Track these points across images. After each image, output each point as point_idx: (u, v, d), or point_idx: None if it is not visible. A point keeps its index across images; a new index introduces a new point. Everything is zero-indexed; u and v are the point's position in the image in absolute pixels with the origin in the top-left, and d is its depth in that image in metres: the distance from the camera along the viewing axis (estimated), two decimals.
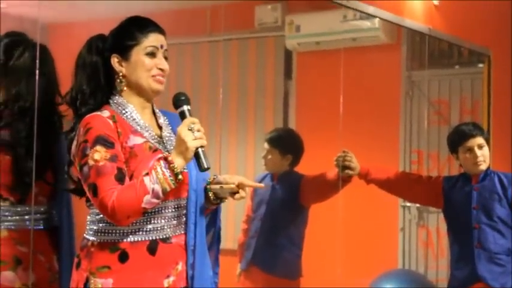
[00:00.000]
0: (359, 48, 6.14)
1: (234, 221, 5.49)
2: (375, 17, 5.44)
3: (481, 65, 5.92)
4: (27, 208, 3.21)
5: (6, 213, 3.17)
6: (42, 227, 3.25)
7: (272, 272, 4.69)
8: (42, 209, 3.26)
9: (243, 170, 6.41)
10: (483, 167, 4.17)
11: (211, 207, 2.70)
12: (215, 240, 2.78)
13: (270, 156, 4.84)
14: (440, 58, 6.18)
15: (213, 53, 6.43)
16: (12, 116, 3.17)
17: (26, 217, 3.20)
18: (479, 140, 4.16)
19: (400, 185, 4.38)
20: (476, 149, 4.16)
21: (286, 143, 4.92)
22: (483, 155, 4.15)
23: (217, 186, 2.60)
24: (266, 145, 4.89)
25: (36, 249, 3.22)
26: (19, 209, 3.18)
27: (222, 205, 2.73)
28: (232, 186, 2.58)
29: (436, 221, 5.77)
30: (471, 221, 4.13)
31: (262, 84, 6.58)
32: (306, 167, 6.37)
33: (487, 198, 4.12)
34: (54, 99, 3.27)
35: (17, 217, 3.18)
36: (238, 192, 2.58)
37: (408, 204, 6.00)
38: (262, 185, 2.72)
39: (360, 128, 6.14)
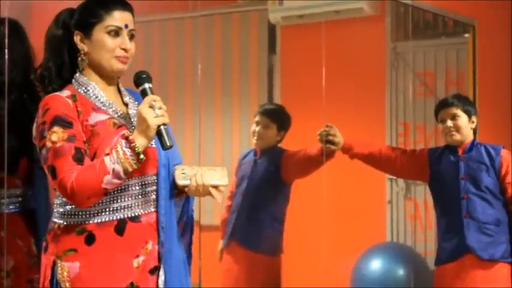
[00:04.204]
0: (343, 20, 6.08)
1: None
2: None
3: (466, 35, 5.86)
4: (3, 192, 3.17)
5: None
6: (18, 210, 3.20)
7: (251, 247, 4.65)
8: (17, 192, 3.20)
9: (228, 146, 6.37)
10: (456, 137, 4.13)
11: (180, 195, 2.63)
12: (188, 228, 2.72)
13: (266, 130, 4.75)
14: (425, 29, 6.13)
15: (196, 29, 6.37)
16: None
17: (1, 201, 3.16)
18: (453, 110, 4.13)
19: (383, 159, 4.34)
20: (448, 119, 4.13)
21: (283, 119, 4.86)
22: (455, 125, 4.11)
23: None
24: (263, 118, 4.77)
25: (14, 233, 3.17)
26: None
27: None
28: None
29: (424, 193, 5.73)
30: (459, 191, 4.09)
31: (246, 59, 6.53)
32: (291, 141, 6.34)
33: (475, 169, 4.09)
34: (30, 76, 3.19)
35: None
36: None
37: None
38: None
39: (346, 100, 6.10)
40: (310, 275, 5.85)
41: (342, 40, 6.12)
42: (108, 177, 2.36)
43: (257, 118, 4.78)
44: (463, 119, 4.12)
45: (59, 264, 2.45)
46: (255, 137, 4.79)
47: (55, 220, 2.52)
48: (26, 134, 2.91)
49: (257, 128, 4.77)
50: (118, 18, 2.53)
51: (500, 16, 5.66)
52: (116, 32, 2.52)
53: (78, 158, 2.39)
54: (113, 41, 2.52)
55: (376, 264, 5.60)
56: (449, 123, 4.12)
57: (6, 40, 3.19)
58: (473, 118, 4.16)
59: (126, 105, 2.60)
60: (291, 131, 6.44)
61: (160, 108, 2.42)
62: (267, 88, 6.53)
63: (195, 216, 2.78)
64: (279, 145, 4.94)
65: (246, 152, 4.98)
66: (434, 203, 4.29)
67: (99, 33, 2.52)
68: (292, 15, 6.20)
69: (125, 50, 2.53)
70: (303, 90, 6.30)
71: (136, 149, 2.38)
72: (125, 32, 2.54)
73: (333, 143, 4.30)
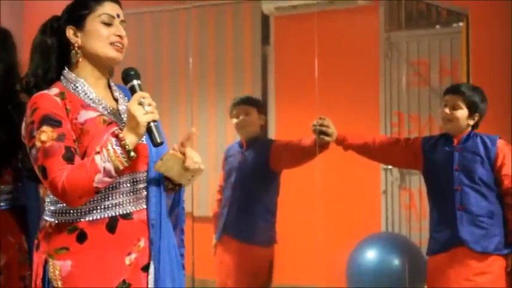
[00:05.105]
0: (336, 10, 6.08)
1: (215, 189, 5.44)
2: None
3: (460, 24, 5.85)
4: None
5: None
6: (8, 207, 3.20)
7: (245, 239, 4.62)
8: (8, 189, 3.20)
9: (222, 138, 6.37)
10: (447, 126, 4.07)
11: (170, 192, 2.63)
12: (179, 220, 2.72)
13: (247, 117, 4.72)
14: (419, 19, 6.12)
15: (190, 20, 6.36)
16: None
17: None
18: (458, 99, 4.04)
19: (377, 149, 4.31)
20: (449, 105, 4.06)
21: (259, 102, 4.90)
22: (453, 115, 4.03)
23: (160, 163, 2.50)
24: (240, 107, 4.73)
25: (5, 230, 3.17)
26: None
27: (203, 173, 2.63)
28: (173, 153, 2.49)
29: (419, 182, 5.74)
30: (452, 182, 4.04)
31: (239, 49, 6.52)
32: (284, 131, 6.36)
33: (469, 160, 4.03)
34: (15, 86, 3.19)
35: None
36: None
37: (390, 166, 5.97)
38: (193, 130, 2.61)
39: (340, 90, 6.11)
40: (305, 265, 5.86)
41: (336, 30, 6.12)
42: (99, 176, 2.35)
43: (234, 111, 4.76)
44: (463, 111, 4.04)
45: (50, 263, 2.44)
46: (239, 128, 4.77)
47: (46, 218, 2.51)
48: (13, 137, 2.92)
49: (239, 120, 4.75)
50: (109, 7, 2.55)
51: (493, 5, 5.65)
52: (108, 22, 2.53)
53: (69, 157, 2.38)
54: (107, 30, 2.52)
55: (371, 254, 5.62)
56: (448, 110, 4.06)
57: None
58: (476, 116, 4.06)
59: (116, 100, 2.59)
60: (285, 120, 6.45)
61: (149, 105, 2.39)
62: (260, 79, 6.53)
63: (189, 208, 2.77)
64: (266, 137, 4.92)
65: (231, 145, 4.97)
66: (428, 193, 4.26)
67: (92, 22, 2.52)
68: (286, 5, 6.19)
69: (119, 36, 2.53)
70: (297, 80, 6.30)
71: (127, 146, 2.36)
72: (117, 21, 2.55)
73: (326, 134, 4.28)
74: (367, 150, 4.35)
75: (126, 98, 2.60)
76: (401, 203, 6.14)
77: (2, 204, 3.19)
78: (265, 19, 6.49)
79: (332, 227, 5.86)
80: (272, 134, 6.51)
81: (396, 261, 5.51)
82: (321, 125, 4.27)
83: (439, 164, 4.12)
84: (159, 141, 2.41)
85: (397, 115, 6.13)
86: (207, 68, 6.49)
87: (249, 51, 6.51)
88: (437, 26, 6.17)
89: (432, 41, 6.05)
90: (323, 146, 4.35)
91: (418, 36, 6.08)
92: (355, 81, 6.14)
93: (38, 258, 2.49)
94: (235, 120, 4.76)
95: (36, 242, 2.53)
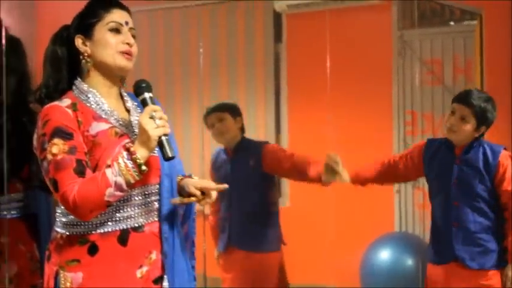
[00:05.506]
0: (349, 8, 6.06)
1: None
2: None
3: (473, 22, 5.81)
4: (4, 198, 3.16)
5: None
6: (19, 215, 3.19)
7: (253, 249, 4.52)
8: (18, 197, 3.19)
9: None
10: (451, 136, 3.89)
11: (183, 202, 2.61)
12: (190, 232, 2.70)
13: (224, 122, 4.57)
14: (432, 17, 6.08)
15: (201, 19, 6.34)
16: None
17: (2, 206, 3.15)
18: (467, 111, 3.84)
19: (386, 174, 4.20)
20: (456, 115, 3.86)
21: (231, 106, 4.68)
22: (458, 126, 3.84)
23: (177, 199, 2.53)
24: (213, 115, 4.58)
25: (16, 239, 3.16)
26: None
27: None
28: (193, 199, 2.51)
29: None
30: (450, 197, 3.88)
31: (251, 47, 6.50)
32: (297, 129, 6.34)
33: (468, 174, 3.85)
34: (27, 96, 3.17)
35: None
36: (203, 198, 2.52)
37: None
38: (225, 185, 2.61)
39: (352, 89, 6.08)
40: (319, 265, 5.85)
41: (348, 28, 6.09)
42: (110, 190, 2.33)
43: (208, 122, 4.62)
44: (469, 125, 3.85)
45: (61, 275, 2.42)
46: (216, 136, 4.63)
47: (57, 230, 2.49)
48: (24, 148, 2.90)
49: (214, 128, 4.64)
50: (117, 15, 2.52)
51: (506, 4, 5.61)
52: (117, 29, 2.50)
53: (80, 171, 2.36)
54: (115, 38, 2.49)
55: (384, 254, 5.60)
56: (454, 120, 3.87)
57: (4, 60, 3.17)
58: (483, 129, 3.89)
59: (128, 111, 2.57)
60: (297, 118, 6.42)
61: (160, 118, 2.37)
62: (273, 77, 6.51)
63: (199, 206, 2.74)
64: (253, 140, 4.79)
65: (215, 156, 4.74)
66: (429, 198, 4.13)
67: (101, 31, 2.50)
68: (298, 3, 6.18)
69: (128, 44, 2.50)
70: (310, 78, 6.28)
71: (138, 160, 2.34)
72: (126, 29, 2.52)
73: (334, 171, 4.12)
74: (382, 179, 4.23)
75: (139, 108, 2.57)
76: (415, 203, 6.11)
77: (13, 212, 3.18)
78: (277, 17, 6.47)
79: (345, 227, 5.84)
80: (285, 132, 6.50)
81: (410, 261, 5.49)
82: (332, 160, 4.09)
83: (437, 175, 3.97)
84: (170, 155, 2.38)
85: (410, 114, 6.10)
86: (218, 66, 6.47)
87: (261, 49, 6.49)
88: (451, 23, 6.13)
89: (445, 39, 6.01)
90: (324, 184, 4.24)
91: (431, 35, 6.05)
92: (367, 79, 6.11)
93: (49, 269, 2.48)
94: (211, 132, 4.64)
95: (47, 253, 2.52)
